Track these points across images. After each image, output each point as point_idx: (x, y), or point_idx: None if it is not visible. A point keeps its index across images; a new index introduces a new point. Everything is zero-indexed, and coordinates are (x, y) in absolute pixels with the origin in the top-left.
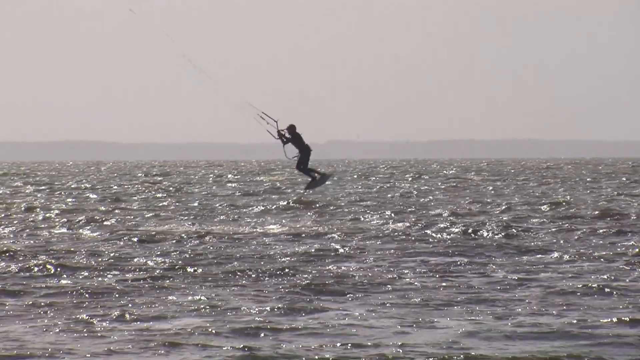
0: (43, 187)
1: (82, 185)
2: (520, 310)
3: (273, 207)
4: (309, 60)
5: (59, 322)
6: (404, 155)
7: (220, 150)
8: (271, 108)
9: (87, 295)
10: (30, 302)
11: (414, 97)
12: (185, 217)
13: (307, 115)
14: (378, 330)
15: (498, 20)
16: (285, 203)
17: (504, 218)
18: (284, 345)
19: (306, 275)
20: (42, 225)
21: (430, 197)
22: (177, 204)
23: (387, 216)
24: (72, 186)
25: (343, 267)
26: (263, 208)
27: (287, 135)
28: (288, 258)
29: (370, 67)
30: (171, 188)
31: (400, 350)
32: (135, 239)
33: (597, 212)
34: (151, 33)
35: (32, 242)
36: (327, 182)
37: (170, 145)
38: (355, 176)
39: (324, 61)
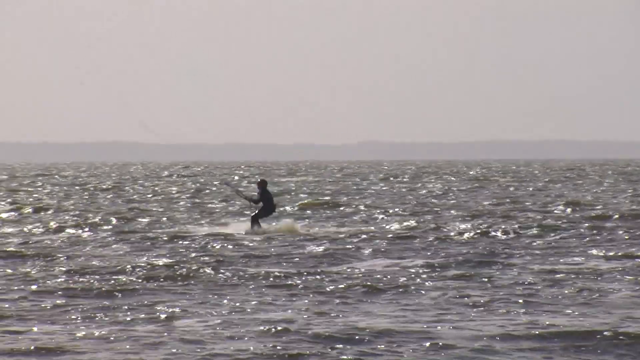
0: (66, 188)
1: (106, 186)
2: (546, 311)
3: (294, 209)
4: (328, 60)
5: (84, 323)
6: (436, 157)
7: (259, 150)
8: (270, 109)
9: (108, 296)
10: (52, 303)
11: (448, 97)
12: (204, 218)
13: (312, 118)
14: (404, 329)
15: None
16: (305, 203)
17: (528, 218)
18: (308, 346)
19: (327, 277)
20: (62, 226)
21: (454, 197)
22: (197, 205)
23: (408, 216)
24: (101, 187)
25: (364, 268)
26: (283, 209)
27: (255, 198)
28: (307, 259)
29: (402, 67)
30: (192, 189)
31: (430, 352)
32: (155, 240)
33: (622, 213)
34: (149, 34)
35: (52, 242)
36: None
37: (206, 146)
38: (381, 176)
39: (345, 61)
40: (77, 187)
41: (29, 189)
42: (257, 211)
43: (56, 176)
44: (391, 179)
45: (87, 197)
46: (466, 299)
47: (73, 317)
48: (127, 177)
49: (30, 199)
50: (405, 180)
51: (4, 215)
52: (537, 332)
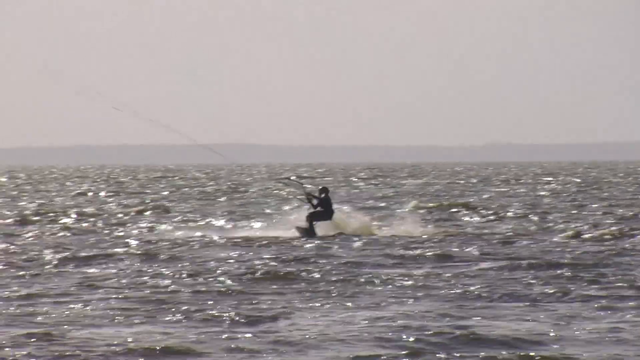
0: (186, 189)
1: (221, 188)
2: None
3: (403, 210)
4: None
5: (189, 322)
6: (562, 158)
7: (377, 152)
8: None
9: (209, 297)
10: (161, 304)
11: (580, 100)
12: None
13: (434, 119)
14: (522, 333)
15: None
16: (412, 206)
17: None
18: (428, 346)
19: (440, 278)
20: (176, 226)
21: (571, 199)
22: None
23: (523, 218)
24: (221, 189)
25: (477, 270)
26: (400, 211)
27: (317, 198)
28: (420, 260)
29: (532, 68)
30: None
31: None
32: (262, 240)
33: None
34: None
35: (169, 243)
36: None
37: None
38: (502, 178)
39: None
40: (196, 189)
41: (147, 191)
42: (318, 211)
43: (177, 178)
44: (512, 181)
45: (203, 198)
46: (582, 302)
47: (180, 317)
48: (249, 179)
49: (149, 201)
50: (527, 182)
51: (122, 217)
52: None
